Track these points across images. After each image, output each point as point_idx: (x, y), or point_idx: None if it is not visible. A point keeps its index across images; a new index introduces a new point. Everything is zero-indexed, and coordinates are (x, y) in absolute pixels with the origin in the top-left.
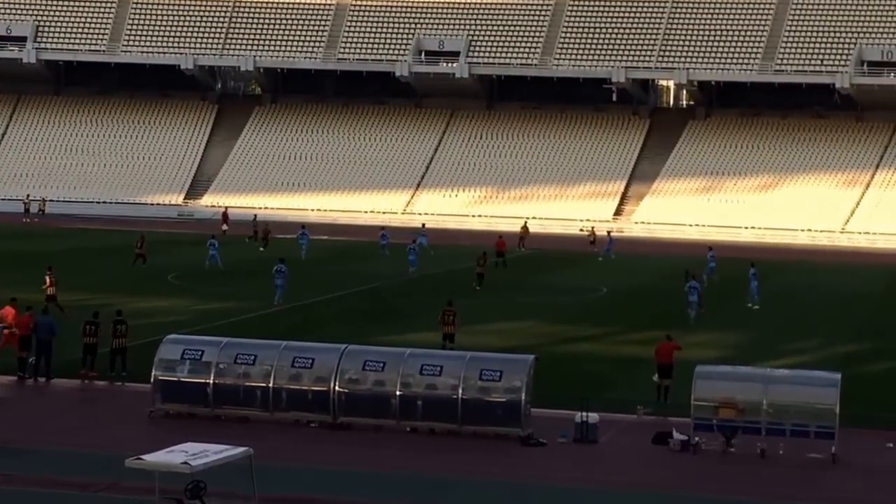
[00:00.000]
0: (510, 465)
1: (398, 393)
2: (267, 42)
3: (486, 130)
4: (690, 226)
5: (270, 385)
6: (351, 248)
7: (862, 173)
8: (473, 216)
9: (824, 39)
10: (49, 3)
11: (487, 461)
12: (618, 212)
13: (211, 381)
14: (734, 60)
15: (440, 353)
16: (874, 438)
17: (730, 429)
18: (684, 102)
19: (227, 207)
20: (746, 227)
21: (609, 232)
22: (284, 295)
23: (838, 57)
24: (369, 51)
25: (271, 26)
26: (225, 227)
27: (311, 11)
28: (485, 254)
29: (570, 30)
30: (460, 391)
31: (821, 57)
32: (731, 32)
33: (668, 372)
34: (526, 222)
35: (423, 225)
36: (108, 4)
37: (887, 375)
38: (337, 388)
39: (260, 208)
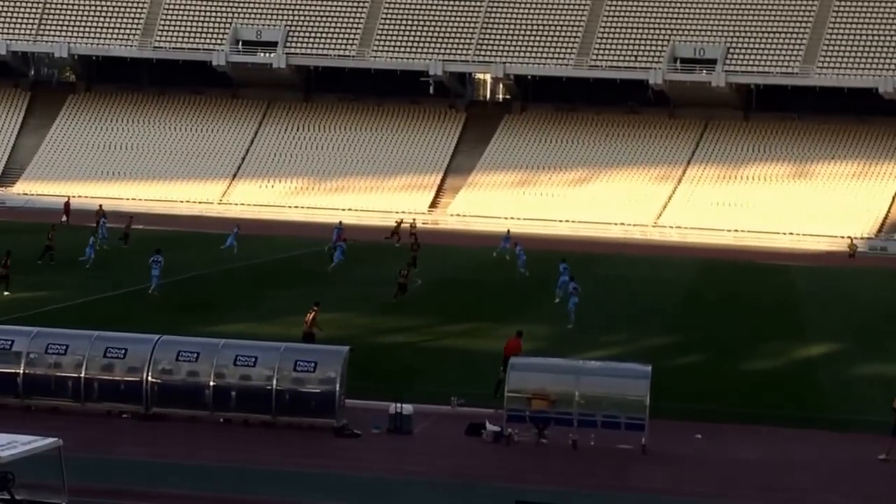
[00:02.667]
0: (324, 456)
1: (212, 384)
2: (81, 29)
3: (303, 121)
4: (506, 219)
5: (82, 375)
6: (168, 238)
7: (674, 168)
8: (290, 207)
9: (638, 36)
10: None
11: (301, 452)
12: (433, 204)
13: (21, 371)
14: (550, 55)
15: (255, 343)
16: (683, 430)
17: (542, 420)
18: (500, 96)
19: (69, 197)
20: (561, 221)
21: (508, 230)
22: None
23: (652, 54)
24: (186, 39)
25: (86, 13)
26: (65, 217)
27: None
28: (408, 264)
29: (387, 22)
30: (275, 382)
31: (635, 53)
32: (547, 28)
33: None
34: (402, 221)
35: (340, 222)
36: None
37: (696, 368)
38: (150, 378)
39: (74, 197)
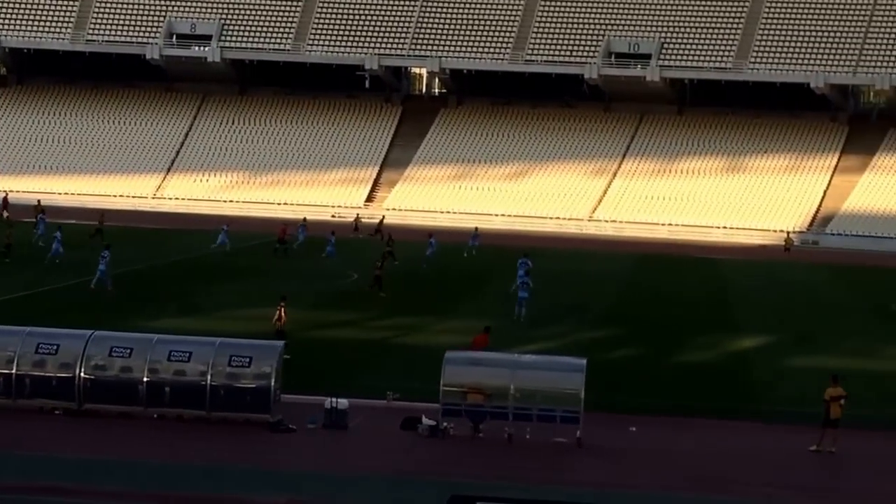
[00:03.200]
0: (259, 452)
1: (145, 379)
2: (13, 22)
3: (238, 115)
4: (442, 213)
5: (13, 372)
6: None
7: (609, 162)
8: (225, 201)
9: (573, 31)
10: None
11: (236, 448)
12: (369, 198)
13: None
14: (486, 50)
15: (189, 339)
16: (618, 422)
17: (478, 414)
18: (436, 90)
19: (6, 192)
20: (497, 215)
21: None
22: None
23: (587, 48)
24: (119, 33)
25: (18, 5)
26: (6, 213)
27: None
28: (384, 255)
29: (323, 16)
30: (209, 377)
31: (570, 48)
32: (483, 22)
33: None
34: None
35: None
36: None
37: (631, 361)
38: (82, 374)
39: (5, 192)
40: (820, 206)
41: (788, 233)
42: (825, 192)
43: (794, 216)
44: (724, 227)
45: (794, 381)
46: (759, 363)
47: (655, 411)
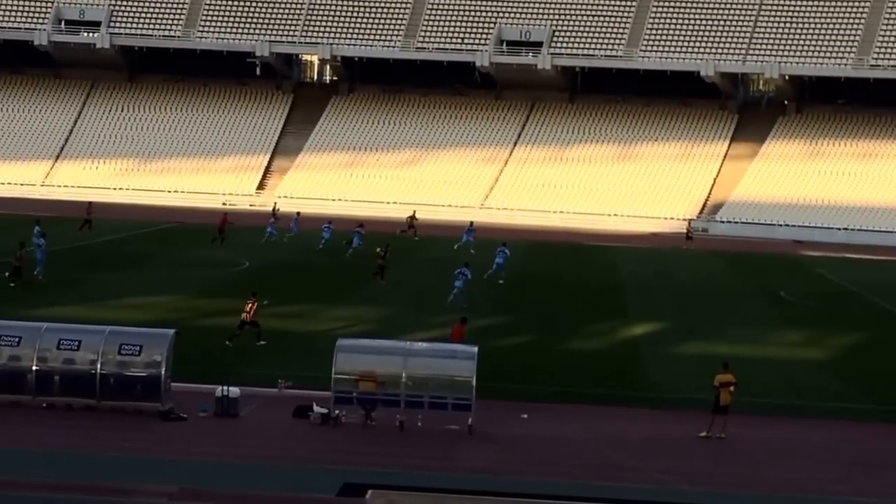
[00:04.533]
0: (149, 440)
1: (34, 368)
2: None
3: (128, 102)
4: (334, 200)
5: None
6: None
7: (501, 150)
8: (115, 189)
9: (465, 19)
10: None
11: (126, 436)
12: (261, 186)
13: None
14: (377, 37)
15: (78, 327)
16: (510, 409)
17: (370, 401)
18: (328, 77)
19: None
20: (389, 203)
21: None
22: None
23: (478, 36)
24: (7, 19)
25: None
26: None
27: None
28: (388, 245)
29: (213, 2)
30: (99, 366)
31: (461, 36)
32: (374, 10)
33: None
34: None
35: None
36: None
37: (522, 348)
38: None
39: None
40: (710, 193)
41: (690, 221)
42: (715, 180)
43: (684, 204)
44: (616, 215)
45: (683, 367)
46: (649, 350)
47: (547, 398)
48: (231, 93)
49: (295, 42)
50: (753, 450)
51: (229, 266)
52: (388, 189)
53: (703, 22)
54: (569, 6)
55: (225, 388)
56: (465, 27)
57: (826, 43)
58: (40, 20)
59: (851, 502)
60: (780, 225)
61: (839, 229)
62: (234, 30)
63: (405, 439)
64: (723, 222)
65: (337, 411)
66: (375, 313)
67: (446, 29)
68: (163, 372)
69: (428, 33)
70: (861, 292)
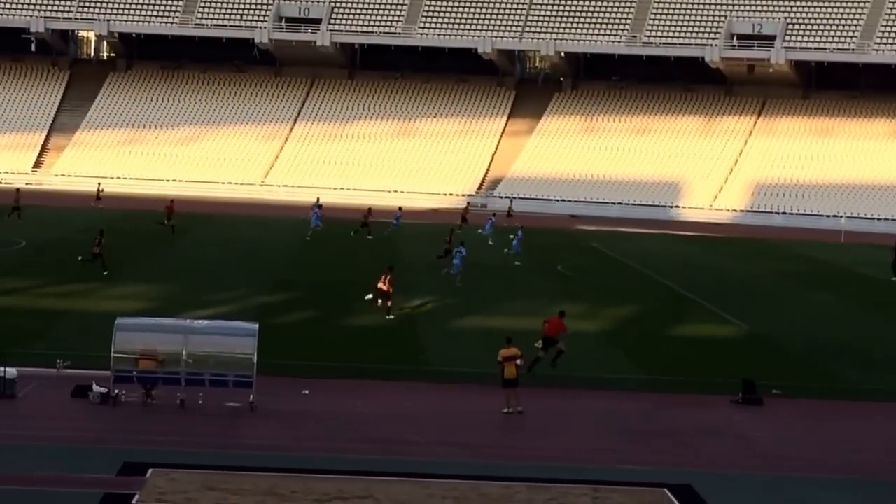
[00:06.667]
0: None
1: None
2: None
3: None
4: (113, 178)
5: None
6: None
7: (281, 127)
8: None
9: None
10: None
11: None
12: (37, 164)
13: None
14: (155, 13)
15: None
16: (290, 386)
17: (150, 380)
18: (105, 54)
19: None
20: (168, 180)
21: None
22: None
23: (257, 12)
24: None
25: None
26: None
27: None
28: (452, 230)
29: None
30: None
31: (241, 12)
32: None
33: (554, 343)
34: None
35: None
36: None
37: (304, 324)
38: None
39: None
40: (489, 169)
41: (512, 199)
42: (493, 156)
43: (464, 180)
44: (396, 191)
45: (464, 342)
46: (430, 326)
47: (328, 374)
48: (5, 70)
49: (71, 18)
50: (531, 421)
51: (6, 245)
52: (167, 167)
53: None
54: None
55: (1, 368)
56: (244, 3)
57: (600, 21)
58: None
59: (625, 470)
60: (557, 200)
61: (614, 204)
62: (9, 6)
63: (186, 418)
64: (501, 197)
65: (117, 391)
66: (156, 291)
67: (225, 5)
68: None
69: (207, 9)
70: (634, 265)
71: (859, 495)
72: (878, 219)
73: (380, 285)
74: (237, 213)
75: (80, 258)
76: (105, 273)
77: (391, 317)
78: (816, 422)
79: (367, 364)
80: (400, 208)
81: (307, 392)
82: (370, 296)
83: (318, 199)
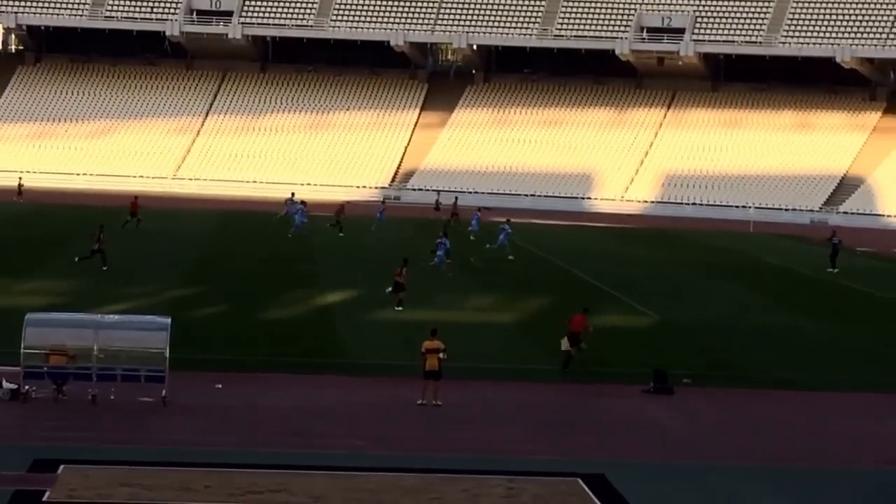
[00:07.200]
0: None
1: None
2: None
3: None
4: (23, 172)
5: None
6: None
7: (193, 120)
8: None
9: None
10: None
11: None
12: None
13: None
14: (64, 6)
15: None
16: (203, 380)
17: (61, 376)
18: (13, 47)
19: None
20: (79, 174)
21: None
22: None
23: (168, 5)
24: None
25: None
26: None
27: None
28: (446, 225)
29: None
30: None
31: (151, 5)
32: None
33: (579, 340)
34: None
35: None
36: None
37: (217, 318)
38: None
39: None
40: (401, 162)
41: (439, 192)
42: (406, 149)
43: (377, 172)
44: (310, 184)
45: (377, 334)
46: (343, 318)
47: (242, 368)
48: None
49: None
50: (447, 413)
51: None
52: (77, 161)
53: None
54: None
55: None
56: None
57: (512, 14)
58: None
59: (539, 461)
60: (469, 192)
61: (526, 195)
62: None
63: (98, 413)
64: (415, 190)
65: (27, 387)
66: (68, 286)
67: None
68: None
69: (117, 2)
70: (546, 256)
71: (769, 482)
72: (786, 209)
73: (397, 278)
74: (149, 207)
75: (76, 258)
76: (105, 268)
77: (400, 308)
78: (727, 410)
79: (283, 357)
80: (383, 202)
81: (220, 386)
82: (390, 289)
83: (293, 194)
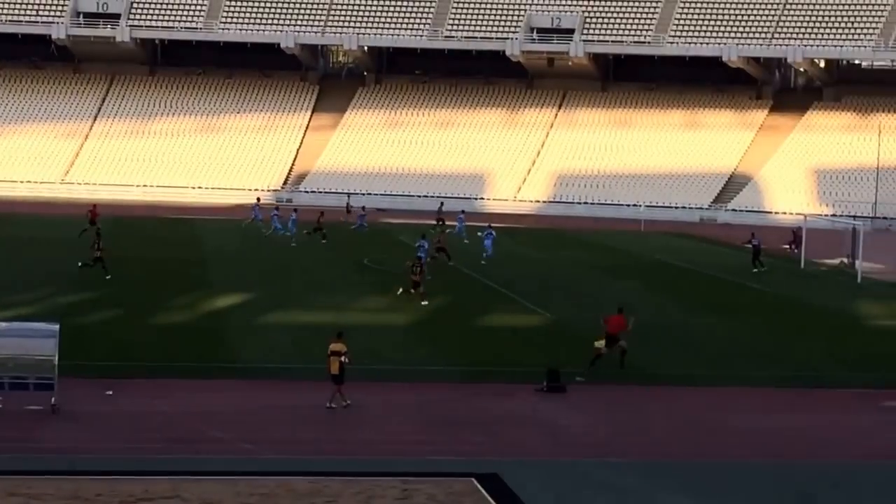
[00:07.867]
0: None
1: None
2: None
3: None
4: None
5: None
6: None
7: (80, 124)
8: None
9: None
10: None
11: None
12: None
13: None
14: None
15: None
16: (94, 387)
17: None
18: None
19: None
20: None
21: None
22: None
23: (54, 8)
24: None
25: None
26: None
27: None
28: (441, 230)
29: None
30: None
31: (36, 7)
32: None
33: (616, 341)
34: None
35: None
36: None
37: (107, 324)
38: None
39: None
40: (293, 164)
41: (350, 195)
42: (298, 151)
43: (268, 175)
44: (200, 188)
45: (272, 338)
46: (237, 322)
47: (133, 374)
48: None
49: None
50: (341, 415)
51: None
52: None
53: None
54: None
55: None
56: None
57: (402, 15)
58: None
59: (434, 461)
60: (363, 193)
61: (419, 197)
62: None
63: None
64: (306, 192)
65: None
66: None
67: (20, 0)
68: None
69: (2, 4)
70: (440, 257)
71: (664, 478)
72: (675, 207)
73: (413, 277)
74: (37, 213)
75: (79, 264)
76: (108, 277)
77: (425, 303)
78: (619, 407)
79: (174, 363)
80: (363, 208)
81: (111, 392)
82: (401, 290)
83: (258, 199)
